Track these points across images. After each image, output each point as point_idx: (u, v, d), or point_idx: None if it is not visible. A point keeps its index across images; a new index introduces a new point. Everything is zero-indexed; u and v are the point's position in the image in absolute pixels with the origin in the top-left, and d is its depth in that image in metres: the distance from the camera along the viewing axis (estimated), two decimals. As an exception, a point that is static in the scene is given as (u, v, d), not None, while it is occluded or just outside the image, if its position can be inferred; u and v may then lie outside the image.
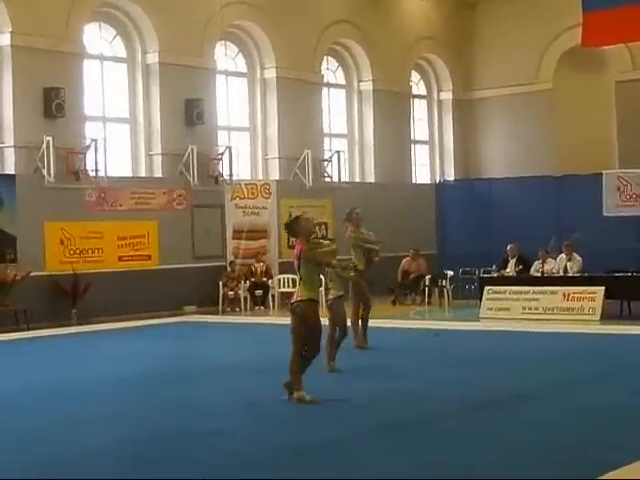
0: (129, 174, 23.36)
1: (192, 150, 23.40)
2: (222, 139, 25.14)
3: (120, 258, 22.30)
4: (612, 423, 9.02)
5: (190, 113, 23.58)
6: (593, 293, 18.97)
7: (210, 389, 11.62)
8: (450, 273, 23.90)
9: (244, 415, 9.83)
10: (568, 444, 8.15)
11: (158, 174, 23.51)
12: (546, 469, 7.38)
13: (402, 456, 7.86)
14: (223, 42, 25.57)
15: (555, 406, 9.93)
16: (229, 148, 24.45)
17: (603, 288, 18.90)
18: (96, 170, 21.76)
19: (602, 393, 10.67)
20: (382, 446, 8.23)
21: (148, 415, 10.05)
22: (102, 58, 23.34)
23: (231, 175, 24.32)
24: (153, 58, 23.41)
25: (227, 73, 25.85)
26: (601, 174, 23.94)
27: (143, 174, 23.52)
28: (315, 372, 11.80)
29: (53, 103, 20.92)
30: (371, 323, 19.34)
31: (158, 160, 23.52)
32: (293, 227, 10.55)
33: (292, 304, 10.57)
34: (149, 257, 22.86)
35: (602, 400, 10.16)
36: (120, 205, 22.31)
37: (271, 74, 25.99)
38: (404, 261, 24.84)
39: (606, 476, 7.04)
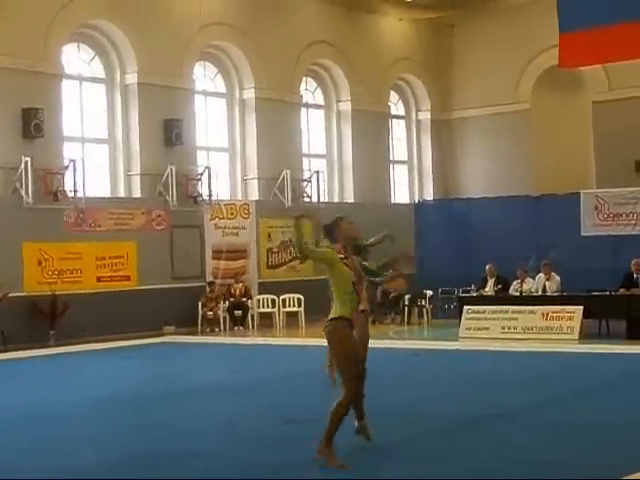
0: (108, 194, 23.32)
1: (171, 170, 23.39)
2: (201, 159, 25.12)
3: (99, 279, 22.21)
4: (589, 442, 9.04)
5: (169, 133, 23.58)
6: (571, 312, 19.03)
7: (189, 410, 11.56)
8: (429, 293, 23.95)
9: (223, 436, 9.80)
10: (546, 463, 8.16)
11: (137, 194, 23.47)
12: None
13: (383, 477, 7.85)
14: (202, 62, 25.62)
15: (533, 425, 9.94)
16: (208, 168, 24.45)
17: (581, 307, 18.96)
18: (75, 191, 21.69)
19: (580, 412, 10.71)
20: (362, 467, 8.21)
21: (126, 436, 10.00)
22: (81, 79, 23.33)
23: (210, 195, 24.30)
24: (132, 78, 23.42)
25: (206, 93, 25.88)
26: (579, 194, 24.06)
27: (122, 194, 23.47)
28: (297, 393, 11.81)
29: (32, 123, 20.88)
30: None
31: (137, 180, 23.50)
32: (332, 230, 8.93)
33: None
34: (128, 278, 22.79)
35: (580, 419, 10.19)
36: (99, 226, 22.24)
37: (250, 94, 26.05)
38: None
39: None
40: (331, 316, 8.48)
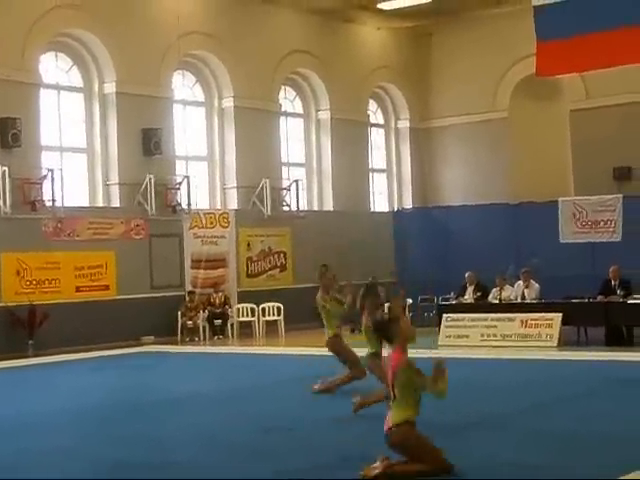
0: (86, 204, 23.24)
1: (150, 180, 23.34)
2: (180, 168, 25.07)
3: (77, 288, 22.12)
4: (569, 448, 9.06)
5: (148, 143, 23.53)
6: (550, 320, 19.08)
7: (167, 420, 11.52)
8: (409, 301, 23.96)
9: (201, 446, 9.76)
10: (524, 469, 8.18)
11: (116, 204, 23.40)
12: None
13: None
14: (181, 71, 25.60)
15: (512, 432, 9.96)
16: (187, 177, 24.43)
17: (560, 314, 19.01)
18: (53, 200, 21.62)
19: (560, 419, 10.72)
20: (336, 477, 8.19)
21: (104, 447, 9.95)
22: (59, 88, 23.27)
23: (189, 204, 24.27)
24: (110, 88, 23.38)
25: (185, 102, 25.85)
26: (557, 201, 24.15)
27: (100, 204, 23.40)
28: (276, 402, 11.78)
29: (9, 133, 20.81)
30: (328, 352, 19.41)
31: (115, 190, 23.43)
32: (389, 329, 8.12)
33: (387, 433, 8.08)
34: (107, 287, 22.71)
35: (560, 426, 10.21)
36: (77, 235, 22.16)
37: (229, 103, 26.05)
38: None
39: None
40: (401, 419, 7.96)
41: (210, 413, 11.95)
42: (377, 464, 7.96)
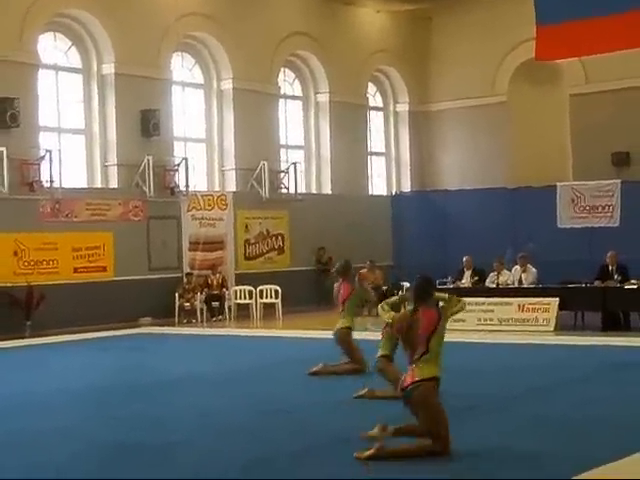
0: (84, 185, 23.22)
1: (148, 161, 23.31)
2: (178, 150, 25.04)
3: (75, 269, 22.12)
4: (564, 433, 9.09)
5: (146, 124, 23.48)
6: (547, 304, 19.09)
7: (165, 401, 11.55)
8: (406, 284, 23.94)
9: (198, 427, 9.79)
10: (520, 454, 8.22)
11: (114, 185, 23.38)
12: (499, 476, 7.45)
13: (354, 467, 7.87)
14: (180, 53, 25.52)
15: (509, 416, 10.00)
16: (185, 159, 24.38)
17: (557, 299, 19.03)
18: (51, 181, 21.58)
19: (555, 403, 10.75)
20: (332, 460, 8.21)
21: (101, 428, 9.97)
22: (57, 68, 23.20)
23: (187, 186, 24.23)
24: (109, 69, 23.31)
25: (183, 84, 25.79)
26: (555, 186, 24.17)
27: (98, 185, 23.39)
28: (273, 384, 11.79)
29: (7, 113, 20.74)
30: (328, 334, 19.42)
31: (114, 171, 23.41)
32: (425, 290, 8.50)
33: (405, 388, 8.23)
34: (104, 268, 22.71)
35: (555, 410, 10.24)
36: (75, 216, 22.14)
37: (228, 85, 25.99)
38: (360, 272, 24.83)
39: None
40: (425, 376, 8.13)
41: (207, 395, 11.97)
42: (375, 431, 8.10)
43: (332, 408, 10.77)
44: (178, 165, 24.21)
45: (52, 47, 23.17)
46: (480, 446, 8.45)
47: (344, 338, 13.45)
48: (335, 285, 13.88)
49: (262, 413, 10.48)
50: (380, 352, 11.60)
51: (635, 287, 18.72)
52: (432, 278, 8.88)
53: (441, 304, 8.64)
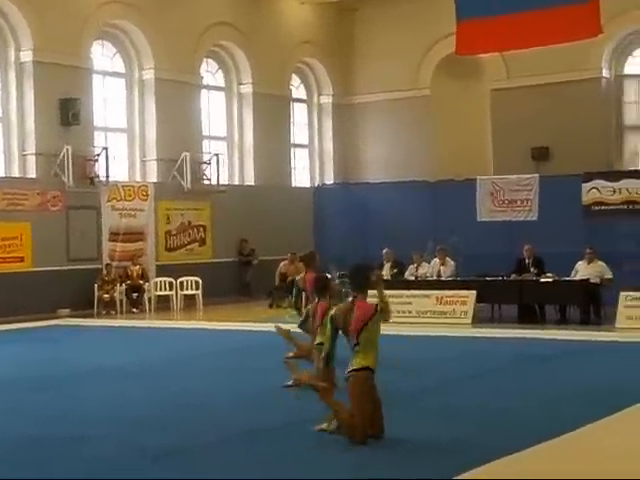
0: (1, 174, 22.82)
1: (67, 151, 22.96)
2: (99, 140, 24.73)
3: (-9, 260, 21.78)
4: (476, 423, 9.20)
5: (66, 113, 23.11)
6: (465, 297, 19.31)
7: (75, 394, 11.42)
8: (327, 276, 23.96)
9: (108, 420, 9.69)
10: (426, 444, 8.30)
11: (32, 175, 23.02)
12: (406, 469, 7.48)
13: (270, 461, 7.85)
14: (101, 41, 25.20)
15: (419, 408, 10.07)
16: (106, 149, 24.08)
17: (475, 292, 19.26)
18: (-33, 170, 21.21)
19: (466, 395, 10.88)
20: (246, 451, 8.21)
21: (9, 421, 9.83)
22: (-26, 55, 22.79)
23: (107, 176, 23.93)
24: (27, 56, 22.89)
25: (105, 73, 25.46)
26: (475, 180, 24.36)
27: (16, 174, 23.00)
28: (190, 376, 11.72)
29: None
30: (248, 326, 19.45)
31: (32, 160, 23.03)
32: (362, 277, 8.76)
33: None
34: (22, 259, 22.35)
35: (465, 401, 10.36)
36: (-9, 206, 21.79)
37: (149, 75, 25.71)
38: (282, 264, 24.87)
39: (467, 474, 7.20)
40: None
41: (121, 387, 11.86)
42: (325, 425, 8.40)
43: (248, 400, 10.74)
44: (98, 155, 23.88)
45: (-31, 33, 22.74)
46: (387, 437, 8.48)
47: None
48: (310, 305, 12.96)
49: (176, 405, 10.43)
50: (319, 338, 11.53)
51: (550, 280, 19.03)
52: (370, 267, 9.11)
53: (380, 306, 8.53)
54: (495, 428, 9.00)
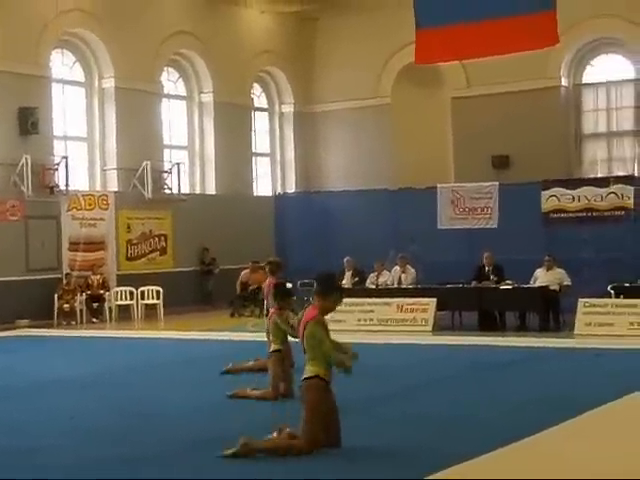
0: (-41, 184, 22.66)
1: (26, 160, 22.80)
2: (58, 149, 24.58)
3: (-51, 270, 21.55)
4: (436, 430, 9.23)
5: (24, 122, 22.96)
6: (426, 305, 19.36)
7: (29, 405, 11.29)
8: (289, 285, 23.92)
9: (64, 431, 9.61)
10: (380, 452, 8.33)
11: (-10, 184, 22.88)
12: (365, 475, 7.50)
13: (225, 470, 7.82)
14: (60, 50, 25.05)
15: (375, 415, 10.07)
16: (65, 158, 23.94)
17: (435, 299, 19.31)
18: None
19: (428, 402, 10.91)
20: (196, 461, 8.17)
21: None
22: None
23: (67, 186, 23.78)
24: (-16, 65, 22.79)
25: (64, 82, 25.31)
26: (436, 187, 24.43)
27: (-26, 184, 22.86)
28: (149, 386, 11.64)
29: None
30: (209, 336, 19.39)
31: (-10, 170, 22.90)
32: (329, 285, 8.58)
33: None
34: (-20, 269, 22.18)
35: (427, 408, 10.39)
36: (-51, 216, 21.58)
37: (109, 84, 25.61)
38: (243, 273, 24.81)
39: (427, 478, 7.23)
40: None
41: (75, 398, 11.76)
42: (274, 435, 8.27)
43: (203, 410, 10.69)
44: (58, 164, 23.75)
45: None
46: (345, 445, 8.46)
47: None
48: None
49: (131, 415, 10.37)
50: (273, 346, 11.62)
51: (510, 287, 19.12)
52: (332, 276, 8.94)
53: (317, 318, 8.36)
54: (455, 434, 9.03)
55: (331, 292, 8.44)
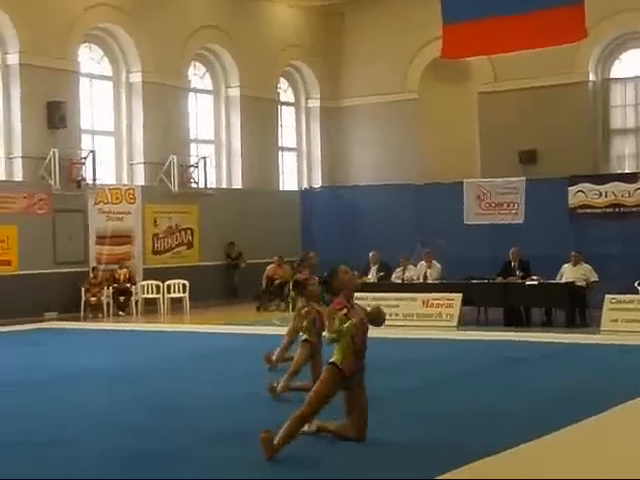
0: (-13, 178, 22.83)
1: (54, 154, 22.94)
2: (86, 143, 24.72)
3: (-22, 263, 21.73)
4: (460, 425, 9.23)
5: (52, 116, 23.11)
6: (451, 300, 19.33)
7: (55, 398, 11.35)
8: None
9: (89, 424, 9.67)
10: (416, 445, 8.35)
11: (18, 178, 22.99)
12: (388, 469, 7.52)
13: (237, 465, 7.85)
14: (88, 44, 25.18)
15: (407, 409, 10.08)
16: (93, 152, 24.06)
17: (461, 295, 19.28)
18: (-47, 173, 21.16)
19: (452, 397, 10.89)
20: (219, 455, 8.20)
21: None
22: (-40, 58, 22.75)
23: (94, 179, 23.91)
24: (14, 59, 22.89)
25: (92, 76, 25.45)
26: (462, 183, 24.39)
27: (2, 178, 22.96)
28: (174, 379, 11.71)
29: None
30: (235, 330, 19.46)
31: (18, 163, 23.02)
32: (331, 282, 8.71)
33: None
34: (8, 262, 22.30)
35: (452, 403, 10.39)
36: (-22, 209, 21.75)
37: (137, 78, 25.71)
38: (269, 268, 24.88)
39: (449, 475, 7.24)
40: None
41: (101, 391, 11.82)
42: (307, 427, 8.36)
43: (231, 403, 10.73)
44: (85, 158, 23.88)
45: (-45, 36, 22.69)
46: (369, 439, 8.48)
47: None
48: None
49: (158, 408, 10.41)
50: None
51: (536, 283, 19.06)
52: (334, 270, 8.78)
53: (343, 313, 8.43)
54: (479, 430, 9.01)
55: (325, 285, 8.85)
